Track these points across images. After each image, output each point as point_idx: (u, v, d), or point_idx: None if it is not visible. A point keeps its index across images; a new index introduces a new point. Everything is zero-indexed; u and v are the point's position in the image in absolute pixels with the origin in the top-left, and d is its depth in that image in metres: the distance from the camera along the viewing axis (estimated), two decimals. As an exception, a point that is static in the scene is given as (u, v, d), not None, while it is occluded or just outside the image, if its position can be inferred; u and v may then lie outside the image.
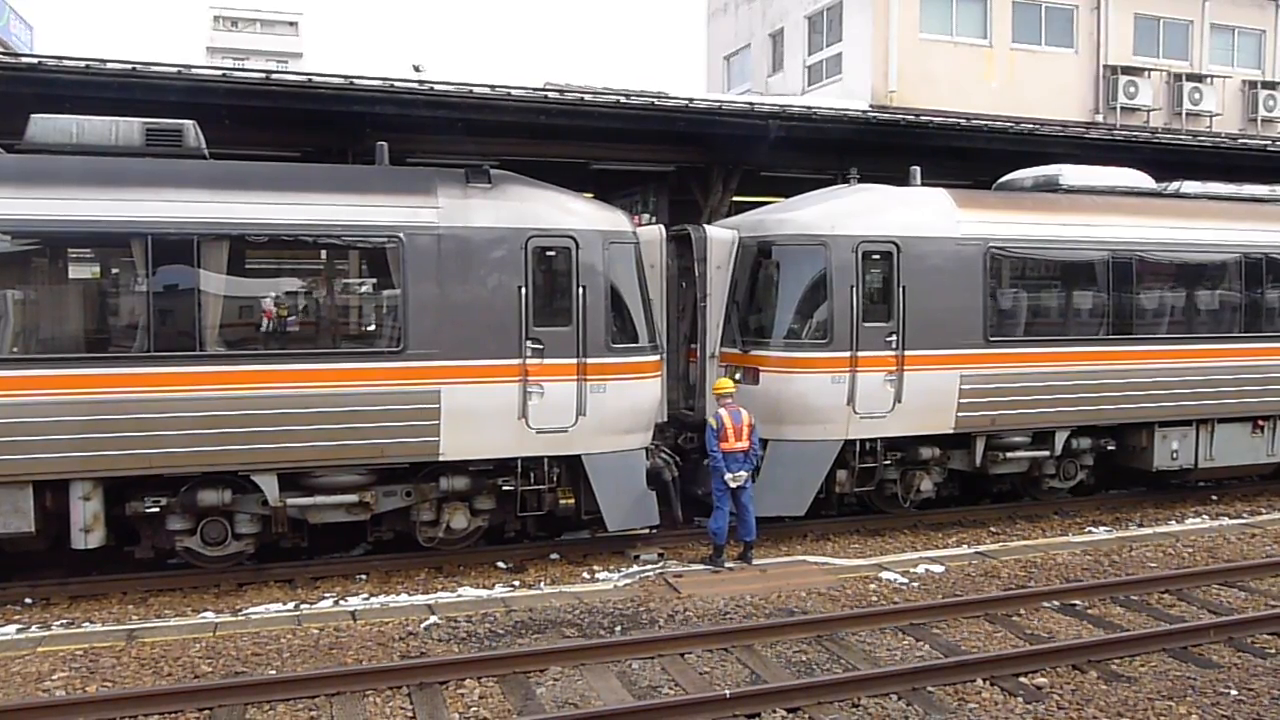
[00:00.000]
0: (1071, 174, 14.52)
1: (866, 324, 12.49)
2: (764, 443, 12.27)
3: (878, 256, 12.66)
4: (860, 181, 13.74)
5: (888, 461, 13.00)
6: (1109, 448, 14.45)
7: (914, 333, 12.65)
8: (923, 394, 12.74)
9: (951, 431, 13.11)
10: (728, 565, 11.45)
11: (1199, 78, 24.75)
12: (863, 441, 12.73)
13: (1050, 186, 14.44)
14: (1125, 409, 13.96)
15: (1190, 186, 15.22)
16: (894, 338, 12.61)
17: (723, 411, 11.36)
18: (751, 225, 13.32)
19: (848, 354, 12.41)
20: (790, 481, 12.59)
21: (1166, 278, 14.52)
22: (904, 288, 12.62)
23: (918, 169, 13.74)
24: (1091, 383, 13.66)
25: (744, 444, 11.31)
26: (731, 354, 13.00)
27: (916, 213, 13.03)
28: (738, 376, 12.57)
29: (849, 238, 12.50)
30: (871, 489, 13.21)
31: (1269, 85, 25.74)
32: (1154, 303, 14.38)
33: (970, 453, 13.46)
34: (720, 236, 13.13)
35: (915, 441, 13.10)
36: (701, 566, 11.51)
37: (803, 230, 12.76)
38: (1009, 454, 13.60)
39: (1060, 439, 13.82)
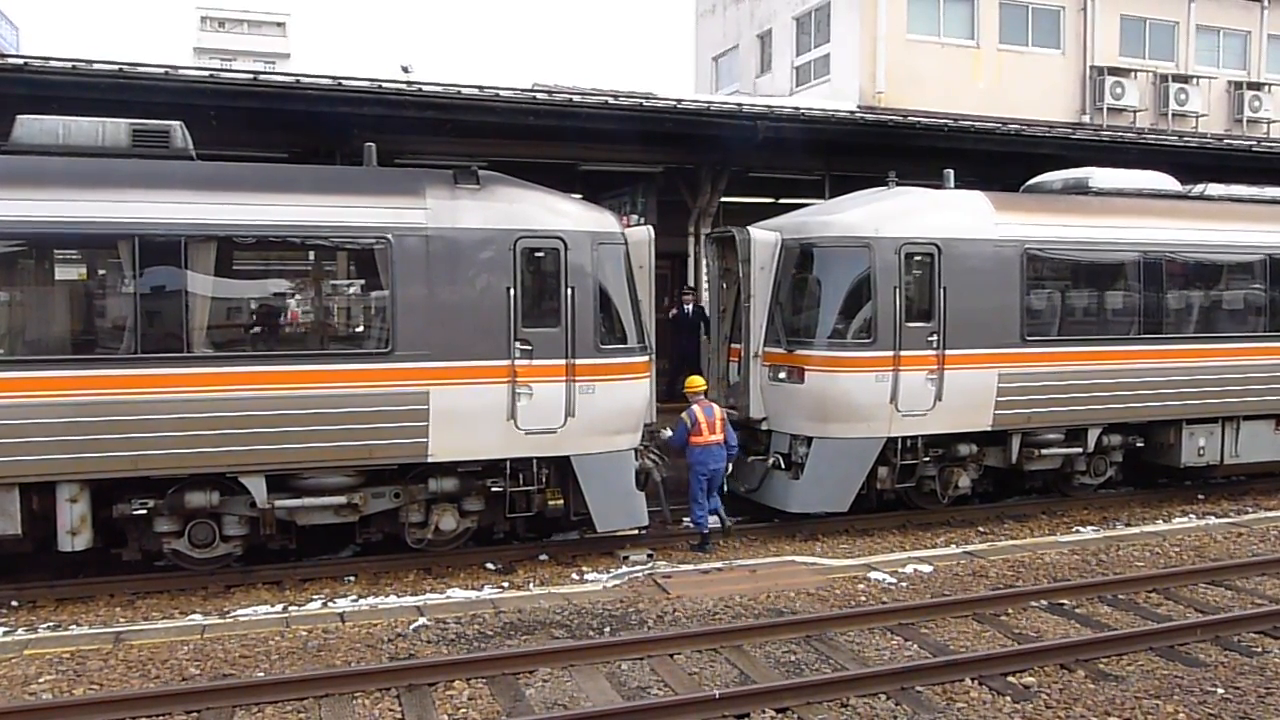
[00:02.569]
0: (1101, 176, 14.71)
1: (909, 324, 12.68)
2: (808, 440, 12.73)
3: (919, 258, 12.84)
4: (898, 184, 13.82)
5: (927, 458, 13.16)
6: (1138, 445, 14.63)
7: (954, 332, 12.85)
8: (962, 392, 12.93)
9: (989, 429, 13.30)
10: (717, 565, 11.50)
11: (1185, 78, 24.84)
12: (904, 439, 12.90)
13: (1080, 189, 14.61)
14: (1156, 406, 14.16)
15: (1215, 189, 15.46)
16: (935, 337, 12.78)
17: (696, 408, 12.01)
18: (794, 227, 13.50)
19: (891, 353, 12.59)
20: (834, 478, 12.81)
21: (1195, 278, 14.74)
22: (945, 288, 12.80)
23: (951, 172, 13.87)
24: (1123, 381, 13.87)
25: (718, 436, 11.97)
26: (775, 353, 13.18)
27: (956, 215, 13.24)
28: (782, 375, 12.91)
29: (892, 239, 12.67)
30: (911, 485, 13.35)
31: (1254, 86, 25.85)
32: (1183, 303, 14.59)
33: (1006, 450, 13.64)
34: (763, 238, 13.34)
35: (954, 439, 13.28)
36: (690, 566, 11.53)
37: (847, 232, 12.93)
38: (1044, 451, 13.75)
39: (1093, 436, 14.01)
